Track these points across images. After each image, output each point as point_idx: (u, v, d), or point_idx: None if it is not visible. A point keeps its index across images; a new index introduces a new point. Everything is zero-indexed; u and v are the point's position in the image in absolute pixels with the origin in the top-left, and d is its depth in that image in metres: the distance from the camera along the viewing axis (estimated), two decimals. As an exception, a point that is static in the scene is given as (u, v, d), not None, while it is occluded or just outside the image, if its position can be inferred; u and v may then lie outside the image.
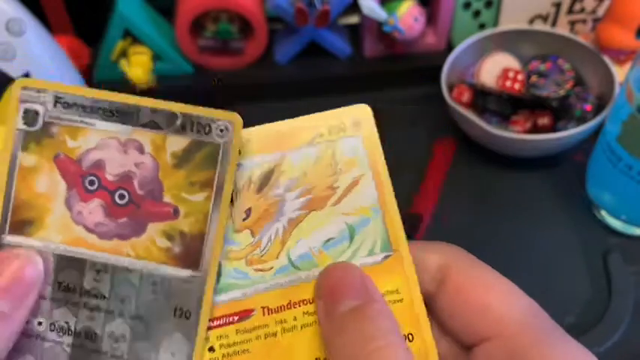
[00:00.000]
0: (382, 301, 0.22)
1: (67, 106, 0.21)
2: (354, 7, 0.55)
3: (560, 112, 0.51)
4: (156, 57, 0.56)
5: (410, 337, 0.23)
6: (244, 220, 0.23)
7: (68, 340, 0.21)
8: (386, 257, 0.24)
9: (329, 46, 0.58)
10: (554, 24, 0.58)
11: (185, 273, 0.21)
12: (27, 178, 0.22)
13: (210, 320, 0.22)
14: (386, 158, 0.25)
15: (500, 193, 0.50)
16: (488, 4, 0.57)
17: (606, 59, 0.50)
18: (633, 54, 0.50)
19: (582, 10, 0.56)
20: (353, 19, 0.63)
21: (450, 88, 0.53)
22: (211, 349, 0.22)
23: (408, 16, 0.54)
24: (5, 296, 0.20)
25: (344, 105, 0.27)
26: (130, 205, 0.21)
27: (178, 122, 0.21)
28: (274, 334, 0.22)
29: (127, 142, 0.21)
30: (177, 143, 0.21)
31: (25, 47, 0.46)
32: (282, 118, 0.24)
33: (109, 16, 0.55)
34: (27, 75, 0.42)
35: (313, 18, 0.54)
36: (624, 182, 0.43)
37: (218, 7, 0.54)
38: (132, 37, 0.55)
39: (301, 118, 0.24)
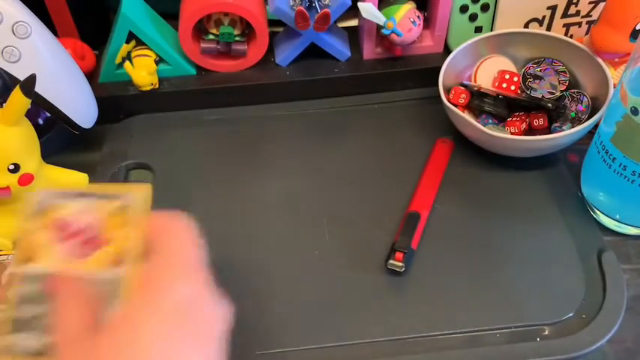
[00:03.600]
0: None
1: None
2: (353, 10, 0.56)
3: (556, 114, 0.51)
4: (159, 59, 0.57)
5: None
6: None
7: None
8: None
9: (329, 49, 0.59)
10: (549, 27, 0.58)
11: None
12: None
13: None
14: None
15: (497, 192, 0.51)
16: (485, 8, 0.58)
17: (601, 61, 0.51)
18: (627, 56, 0.50)
19: (577, 13, 0.57)
20: (351, 22, 0.64)
21: (447, 91, 0.53)
22: None
23: (406, 20, 0.55)
24: None
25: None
26: None
27: None
28: None
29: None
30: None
31: (30, 50, 0.46)
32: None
33: (113, 19, 0.56)
34: (33, 77, 0.42)
35: (313, 21, 0.55)
36: (618, 182, 0.44)
37: (220, 11, 0.55)
38: (136, 40, 0.56)
39: None
